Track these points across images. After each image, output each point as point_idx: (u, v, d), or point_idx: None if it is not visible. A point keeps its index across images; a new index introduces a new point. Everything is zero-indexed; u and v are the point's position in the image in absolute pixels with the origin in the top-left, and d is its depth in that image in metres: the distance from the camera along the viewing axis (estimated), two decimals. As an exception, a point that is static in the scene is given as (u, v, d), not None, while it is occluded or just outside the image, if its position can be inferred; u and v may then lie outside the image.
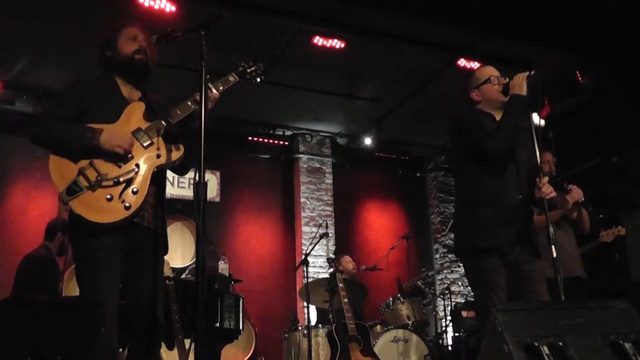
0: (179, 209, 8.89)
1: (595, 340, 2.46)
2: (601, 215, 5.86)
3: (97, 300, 2.99)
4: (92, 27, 6.53)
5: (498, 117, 3.78)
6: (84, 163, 3.09)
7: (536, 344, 2.36)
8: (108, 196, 3.07)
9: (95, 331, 2.80)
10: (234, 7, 6.82)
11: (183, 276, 7.28)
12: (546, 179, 3.60)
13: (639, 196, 7.66)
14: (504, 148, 3.65)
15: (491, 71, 3.90)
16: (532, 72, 3.71)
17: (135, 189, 3.13)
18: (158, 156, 3.26)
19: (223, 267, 7.56)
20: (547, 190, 3.56)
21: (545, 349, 2.35)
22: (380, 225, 11.05)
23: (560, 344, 2.39)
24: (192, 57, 3.20)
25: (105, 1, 6.53)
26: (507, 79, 3.79)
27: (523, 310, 2.56)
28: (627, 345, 2.45)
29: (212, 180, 9.81)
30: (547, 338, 2.40)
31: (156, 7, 6.55)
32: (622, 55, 7.74)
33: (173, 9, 6.59)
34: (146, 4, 6.52)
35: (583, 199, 5.50)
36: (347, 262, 7.83)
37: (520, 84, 3.69)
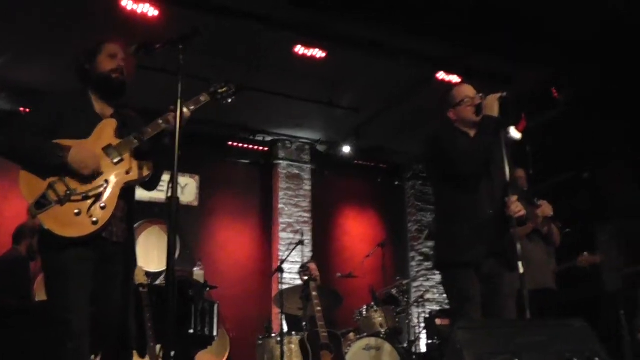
0: (157, 212, 8.90)
1: (551, 358, 2.54)
2: (568, 230, 5.96)
3: (65, 316, 3.02)
4: (75, 29, 6.64)
5: (473, 136, 3.89)
6: (54, 177, 3.14)
7: (492, 361, 2.44)
8: (76, 211, 3.11)
9: (61, 347, 2.83)
10: (217, 14, 6.86)
11: (158, 281, 7.28)
12: (515, 197, 3.67)
13: (610, 211, 7.78)
14: (475, 167, 3.75)
15: (466, 91, 3.99)
16: (504, 93, 3.79)
17: (103, 205, 3.18)
18: (127, 172, 3.31)
19: (198, 273, 7.58)
20: (516, 208, 3.64)
21: (501, 366, 2.43)
22: (358, 232, 11.09)
23: (516, 361, 2.47)
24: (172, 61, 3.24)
25: (89, 4, 6.55)
26: (481, 99, 3.87)
27: (484, 328, 2.64)
28: (580, 364, 2.53)
29: (191, 184, 9.83)
30: (504, 355, 2.48)
31: (139, 11, 6.55)
32: (598, 73, 7.87)
33: (156, 13, 6.60)
34: (129, 8, 6.52)
35: (552, 213, 5.62)
36: (312, 271, 7.80)
37: (492, 104, 3.77)
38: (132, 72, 3.55)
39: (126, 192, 3.34)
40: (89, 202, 3.16)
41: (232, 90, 3.65)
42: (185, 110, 3.35)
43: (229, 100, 3.65)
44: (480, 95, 3.90)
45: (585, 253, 6.08)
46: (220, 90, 3.62)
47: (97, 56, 3.46)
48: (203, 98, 3.55)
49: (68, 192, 3.12)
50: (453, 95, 4.01)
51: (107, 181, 3.23)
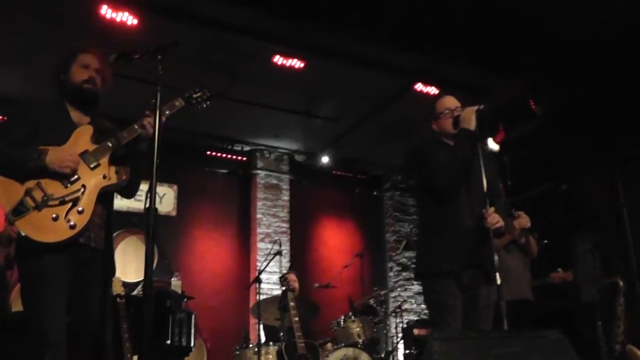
0: (135, 222, 8.85)
1: (527, 369, 2.56)
2: (545, 241, 6.02)
3: (42, 326, 2.99)
4: (54, 37, 6.61)
5: None
6: (31, 184, 3.13)
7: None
8: (54, 215, 3.10)
9: (38, 358, 2.81)
10: (196, 24, 6.86)
11: (136, 292, 7.23)
12: (492, 209, 3.69)
13: (587, 223, 7.86)
14: (452, 180, 3.80)
15: (447, 103, 4.05)
16: (481, 106, 3.84)
17: (80, 209, 3.18)
18: (104, 177, 3.31)
19: (176, 283, 7.53)
20: (493, 220, 3.66)
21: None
22: (336, 242, 11.11)
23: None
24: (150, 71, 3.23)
25: (68, 13, 6.53)
26: (459, 112, 3.91)
27: (460, 339, 2.65)
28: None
29: (169, 194, 9.79)
30: (480, 366, 2.49)
31: (118, 19, 6.53)
32: (575, 87, 7.97)
33: (135, 22, 6.58)
34: (108, 16, 6.50)
35: (530, 225, 5.67)
36: (290, 281, 7.78)
37: (469, 117, 3.81)
38: (109, 81, 3.56)
39: (104, 197, 3.34)
40: (67, 206, 3.15)
41: (207, 95, 3.71)
42: None
43: (204, 105, 3.70)
44: (458, 107, 3.95)
45: (560, 269, 6.14)
46: (194, 95, 3.68)
47: (70, 66, 3.47)
48: (178, 103, 3.58)
49: (45, 198, 3.11)
50: (435, 107, 4.09)
51: (84, 186, 3.23)
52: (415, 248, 4.31)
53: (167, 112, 3.47)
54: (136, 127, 3.38)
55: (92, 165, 3.28)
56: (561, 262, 6.30)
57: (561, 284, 6.15)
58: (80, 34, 6.45)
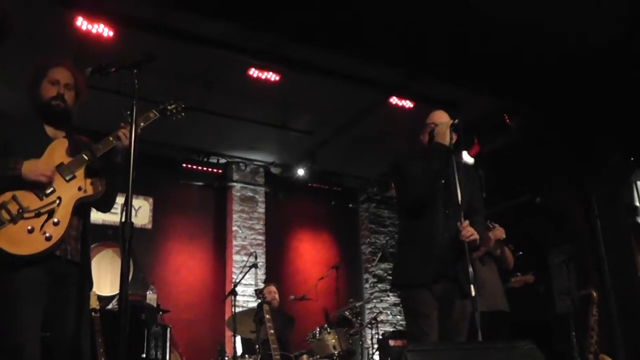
0: (110, 235, 8.79)
1: (500, 379, 2.59)
2: (520, 253, 6.07)
3: (17, 342, 2.97)
4: (30, 49, 6.55)
5: None
6: (6, 197, 3.11)
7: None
8: (29, 227, 3.08)
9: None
10: (172, 36, 6.83)
11: (110, 306, 7.19)
12: (467, 222, 3.72)
13: (562, 235, 7.95)
14: (424, 194, 3.84)
15: (434, 117, 4.08)
16: (456, 121, 3.89)
17: (56, 221, 3.16)
18: (80, 189, 3.30)
19: (151, 297, 7.48)
20: (467, 233, 3.69)
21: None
22: (311, 255, 11.11)
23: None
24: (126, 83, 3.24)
25: (44, 24, 6.48)
26: (434, 126, 3.95)
27: (434, 351, 2.68)
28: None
29: (145, 207, 9.74)
30: (454, 377, 2.52)
31: (94, 31, 6.48)
32: (549, 102, 8.07)
33: (111, 34, 6.54)
34: (84, 28, 6.46)
35: (504, 236, 5.72)
36: (268, 292, 7.77)
37: (443, 132, 3.86)
38: (83, 94, 3.57)
39: (80, 210, 3.32)
40: (42, 218, 3.13)
41: (181, 107, 3.71)
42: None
43: (179, 117, 3.70)
44: (444, 123, 3.95)
45: (518, 274, 6.18)
46: (169, 107, 3.68)
47: (40, 82, 3.47)
48: (152, 115, 3.57)
49: (20, 210, 3.09)
50: (425, 120, 4.12)
51: (60, 198, 3.21)
52: (392, 259, 4.36)
53: (142, 124, 3.46)
54: (111, 139, 3.37)
55: (67, 178, 3.27)
56: (536, 274, 6.33)
57: (523, 287, 6.18)
58: (56, 45, 6.46)
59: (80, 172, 3.32)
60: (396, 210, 4.41)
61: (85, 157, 3.34)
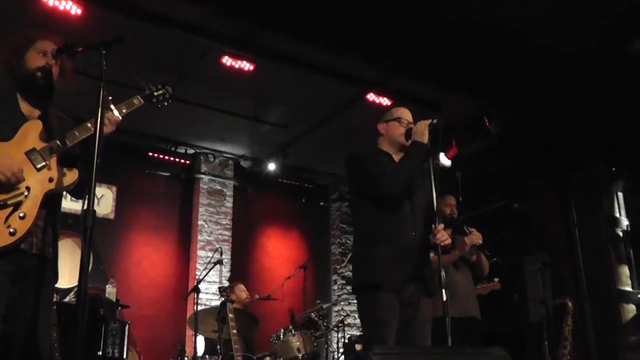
0: (71, 224, 8.46)
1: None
2: (495, 259, 5.98)
3: None
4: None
5: (396, 157, 3.96)
6: None
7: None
8: None
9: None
10: (144, 18, 6.58)
11: (67, 298, 6.92)
12: (441, 225, 3.68)
13: (537, 242, 7.90)
14: (398, 189, 3.76)
15: (404, 113, 4.06)
16: (435, 121, 3.85)
17: (22, 214, 2.94)
18: (50, 180, 3.08)
19: (110, 291, 7.28)
20: (442, 237, 3.63)
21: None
22: (279, 253, 10.94)
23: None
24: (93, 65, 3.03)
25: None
26: (412, 125, 3.94)
27: (399, 354, 2.62)
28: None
29: (108, 196, 9.44)
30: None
31: (61, 7, 6.20)
32: (530, 106, 8.05)
33: (79, 11, 6.27)
34: (50, 4, 6.16)
35: (481, 242, 5.60)
36: (241, 291, 7.62)
37: (422, 131, 3.82)
38: (68, 74, 3.37)
39: (50, 200, 3.09)
40: (7, 211, 2.91)
41: (169, 93, 3.51)
42: (117, 113, 3.22)
43: (165, 104, 3.52)
44: (411, 123, 3.98)
45: (484, 281, 6.12)
46: (156, 94, 3.49)
47: (26, 51, 3.23)
48: (137, 101, 3.39)
49: None
50: (390, 111, 4.11)
51: (28, 188, 2.99)
52: (352, 259, 4.18)
53: (125, 111, 3.29)
54: (89, 125, 3.14)
55: (38, 166, 3.04)
56: (511, 281, 6.29)
57: (489, 294, 6.12)
58: (19, 19, 6.16)
59: (53, 160, 3.09)
60: (352, 208, 4.25)
61: (60, 144, 3.10)
